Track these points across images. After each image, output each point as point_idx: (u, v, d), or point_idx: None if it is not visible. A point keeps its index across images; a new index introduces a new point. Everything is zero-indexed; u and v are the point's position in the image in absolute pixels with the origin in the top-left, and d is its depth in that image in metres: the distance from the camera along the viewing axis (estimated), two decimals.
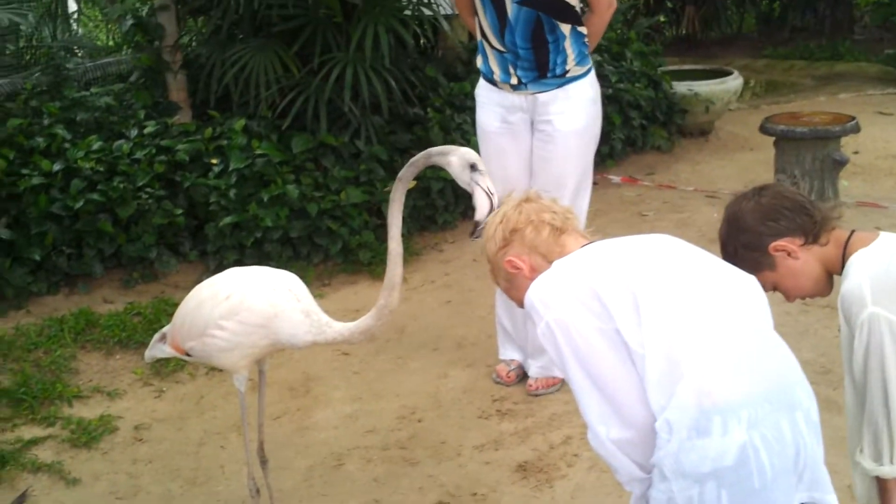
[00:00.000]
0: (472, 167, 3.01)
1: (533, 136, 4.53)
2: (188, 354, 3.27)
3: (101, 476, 4.27)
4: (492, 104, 4.57)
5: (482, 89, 4.63)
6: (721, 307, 2.17)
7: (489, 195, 3.00)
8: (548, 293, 2.23)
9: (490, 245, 2.47)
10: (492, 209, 2.92)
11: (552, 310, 2.19)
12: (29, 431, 4.53)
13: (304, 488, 4.13)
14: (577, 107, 4.46)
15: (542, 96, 4.43)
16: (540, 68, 4.38)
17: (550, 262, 2.33)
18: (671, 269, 2.23)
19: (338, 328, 3.12)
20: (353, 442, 4.44)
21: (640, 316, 2.11)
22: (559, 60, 4.37)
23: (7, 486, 4.17)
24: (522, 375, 4.85)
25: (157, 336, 3.48)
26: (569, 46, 4.37)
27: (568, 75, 4.41)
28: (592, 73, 4.54)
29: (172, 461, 4.37)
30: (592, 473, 4.08)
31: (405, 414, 4.65)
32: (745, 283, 2.29)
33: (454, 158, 3.03)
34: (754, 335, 2.18)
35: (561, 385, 4.71)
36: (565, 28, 4.33)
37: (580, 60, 4.42)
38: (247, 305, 3.07)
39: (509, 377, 4.84)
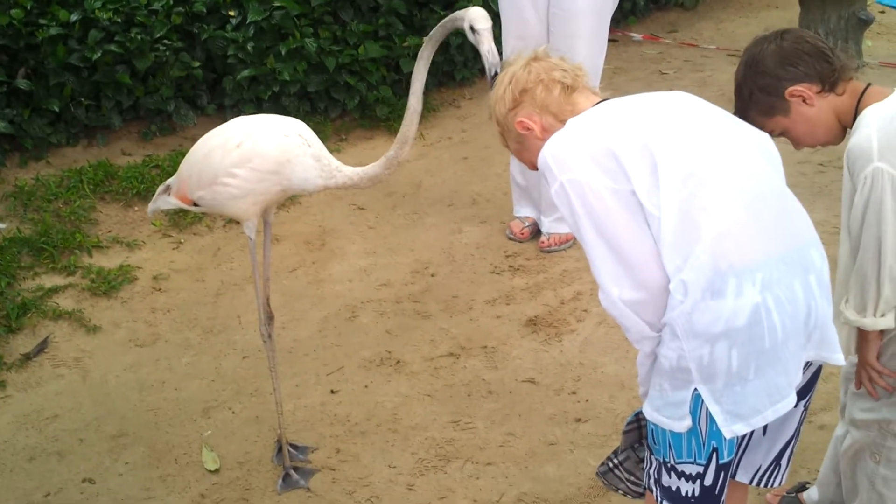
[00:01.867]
0: (472, 29, 3.00)
1: None
2: (195, 205, 3.28)
3: (121, 324, 4.38)
4: None
5: None
6: (738, 168, 2.15)
7: (487, 57, 2.99)
8: (562, 152, 2.19)
9: (499, 106, 2.42)
10: (492, 71, 2.90)
11: (567, 170, 2.15)
12: (49, 280, 4.62)
13: (318, 338, 4.23)
14: None
15: None
16: None
17: (562, 122, 2.28)
18: (688, 129, 2.19)
19: (347, 172, 3.16)
20: (366, 295, 4.52)
21: (657, 177, 2.08)
22: None
23: (29, 333, 4.28)
24: (536, 232, 4.89)
25: (161, 188, 3.46)
26: None
27: None
28: None
29: (190, 311, 4.47)
30: (601, 328, 4.15)
31: (419, 268, 4.71)
32: (760, 142, 2.27)
33: (465, 23, 3.04)
34: (771, 196, 2.17)
35: (573, 242, 4.75)
36: None
37: None
38: (259, 152, 3.08)
39: (523, 234, 4.88)
